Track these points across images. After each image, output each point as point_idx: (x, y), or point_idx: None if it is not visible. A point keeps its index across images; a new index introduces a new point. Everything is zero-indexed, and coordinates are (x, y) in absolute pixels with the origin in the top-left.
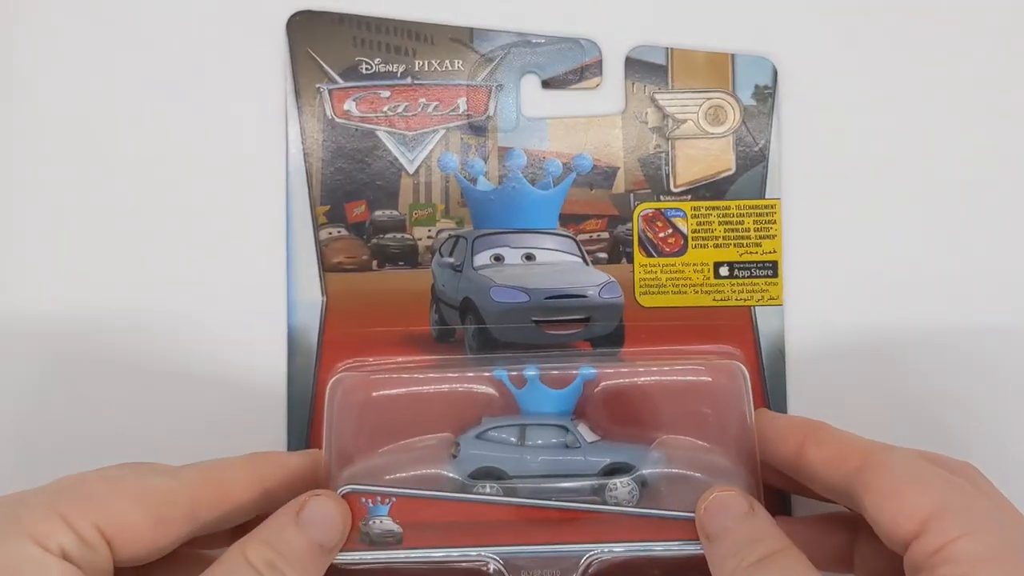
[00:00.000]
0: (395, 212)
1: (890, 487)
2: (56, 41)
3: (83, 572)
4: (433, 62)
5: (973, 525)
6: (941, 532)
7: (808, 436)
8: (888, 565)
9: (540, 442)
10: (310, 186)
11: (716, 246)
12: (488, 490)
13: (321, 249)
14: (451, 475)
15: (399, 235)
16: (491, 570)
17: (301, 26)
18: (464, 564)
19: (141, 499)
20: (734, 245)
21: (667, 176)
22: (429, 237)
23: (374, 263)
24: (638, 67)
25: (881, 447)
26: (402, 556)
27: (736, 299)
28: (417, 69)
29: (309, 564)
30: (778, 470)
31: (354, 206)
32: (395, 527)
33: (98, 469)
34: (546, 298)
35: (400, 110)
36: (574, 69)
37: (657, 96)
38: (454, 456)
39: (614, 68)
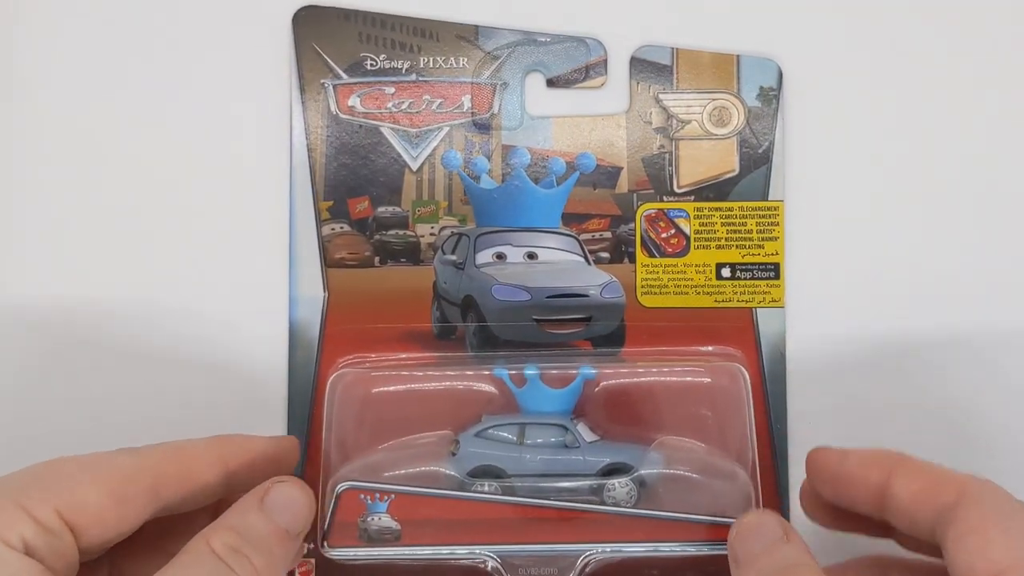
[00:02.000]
0: (398, 209)
1: (979, 526)
2: (56, 40)
3: (44, 564)
4: (438, 59)
5: None
6: None
7: (895, 469)
8: None
9: (540, 441)
10: (313, 181)
11: (718, 247)
12: (487, 488)
13: (323, 245)
14: (450, 473)
15: (402, 232)
16: (489, 568)
17: (306, 21)
18: (462, 562)
19: (101, 478)
20: (736, 246)
21: (670, 176)
22: (432, 234)
23: (376, 259)
24: (643, 67)
25: (975, 480)
26: (400, 553)
27: (738, 301)
28: (422, 66)
29: (276, 549)
30: (830, 506)
31: (357, 202)
32: (393, 524)
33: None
34: (547, 297)
35: (404, 107)
36: (579, 68)
37: (662, 96)
38: (453, 454)
39: (619, 67)
